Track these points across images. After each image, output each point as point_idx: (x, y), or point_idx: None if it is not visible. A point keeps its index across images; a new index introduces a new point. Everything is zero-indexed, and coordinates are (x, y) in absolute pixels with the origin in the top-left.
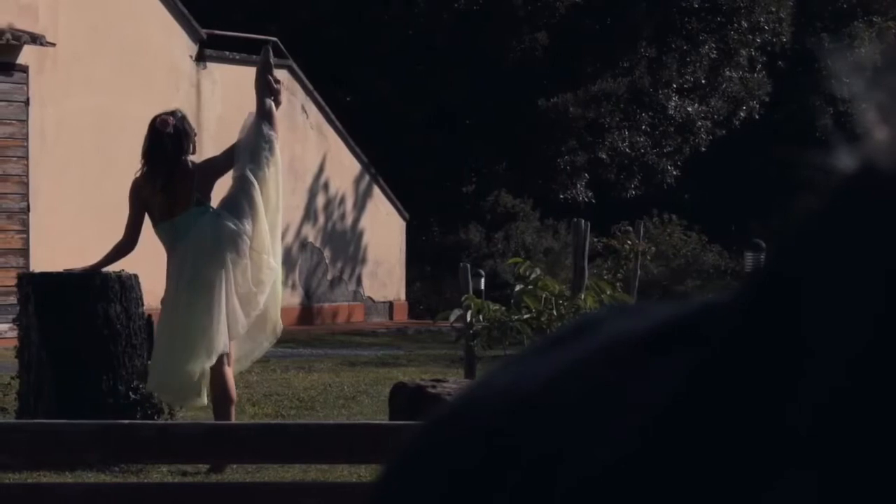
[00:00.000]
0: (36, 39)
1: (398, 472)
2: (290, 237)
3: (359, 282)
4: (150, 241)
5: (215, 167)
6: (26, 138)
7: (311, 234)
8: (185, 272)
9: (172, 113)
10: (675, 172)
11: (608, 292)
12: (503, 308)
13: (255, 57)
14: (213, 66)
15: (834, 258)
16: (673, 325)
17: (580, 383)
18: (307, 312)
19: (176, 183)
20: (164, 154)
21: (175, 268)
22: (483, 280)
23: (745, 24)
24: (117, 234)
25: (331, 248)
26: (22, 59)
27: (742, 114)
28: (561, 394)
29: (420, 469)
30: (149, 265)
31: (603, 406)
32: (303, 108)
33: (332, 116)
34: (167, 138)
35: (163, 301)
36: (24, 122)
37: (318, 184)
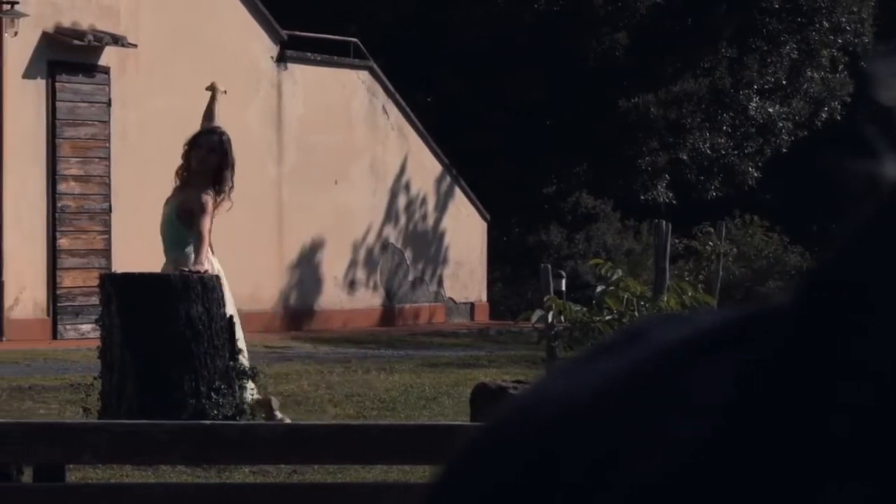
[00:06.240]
0: (117, 41)
1: (451, 479)
2: (371, 238)
3: (440, 283)
4: (228, 244)
5: None
6: (108, 139)
7: (392, 234)
8: None
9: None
10: (756, 174)
11: (690, 293)
12: (585, 309)
13: (335, 58)
14: (293, 67)
15: (881, 268)
16: (722, 332)
17: (633, 390)
18: (388, 313)
19: None
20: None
21: None
22: (564, 281)
23: (827, 25)
24: None
25: (412, 249)
26: (103, 61)
27: (823, 114)
28: (613, 401)
29: (471, 479)
30: (225, 266)
31: (657, 414)
32: (384, 108)
33: (413, 117)
34: None
35: None
36: (106, 123)
37: (400, 184)
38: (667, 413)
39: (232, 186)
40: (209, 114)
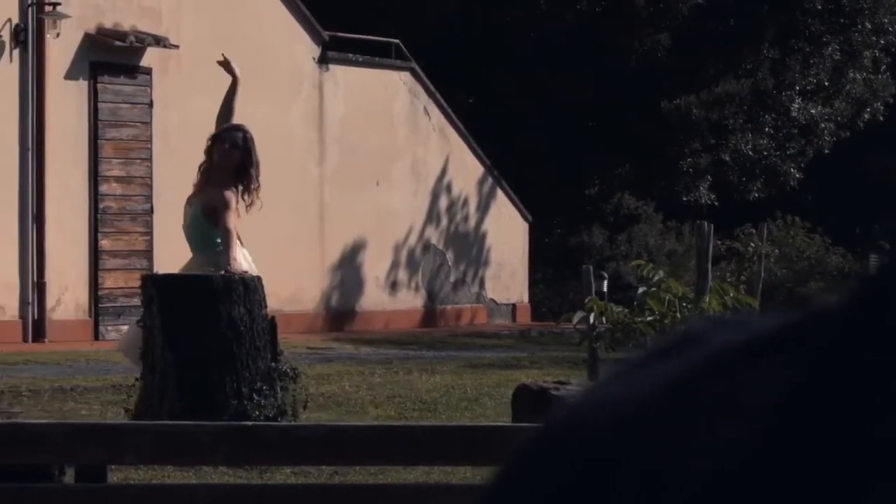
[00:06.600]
0: (159, 42)
1: (507, 481)
2: (413, 239)
3: (482, 284)
4: (270, 245)
5: None
6: (150, 140)
7: (434, 235)
8: None
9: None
10: (798, 175)
11: (732, 294)
12: (626, 310)
13: (377, 59)
14: (335, 68)
15: None
16: (773, 335)
17: (684, 394)
18: (430, 314)
19: None
20: None
21: None
22: (606, 282)
23: (869, 26)
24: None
25: (454, 250)
26: (145, 62)
27: (866, 115)
28: (665, 405)
29: (527, 482)
30: (267, 267)
31: (709, 417)
32: (425, 110)
33: (455, 118)
34: None
35: None
36: (148, 124)
37: (441, 186)
38: (717, 415)
39: (258, 185)
40: (228, 110)
